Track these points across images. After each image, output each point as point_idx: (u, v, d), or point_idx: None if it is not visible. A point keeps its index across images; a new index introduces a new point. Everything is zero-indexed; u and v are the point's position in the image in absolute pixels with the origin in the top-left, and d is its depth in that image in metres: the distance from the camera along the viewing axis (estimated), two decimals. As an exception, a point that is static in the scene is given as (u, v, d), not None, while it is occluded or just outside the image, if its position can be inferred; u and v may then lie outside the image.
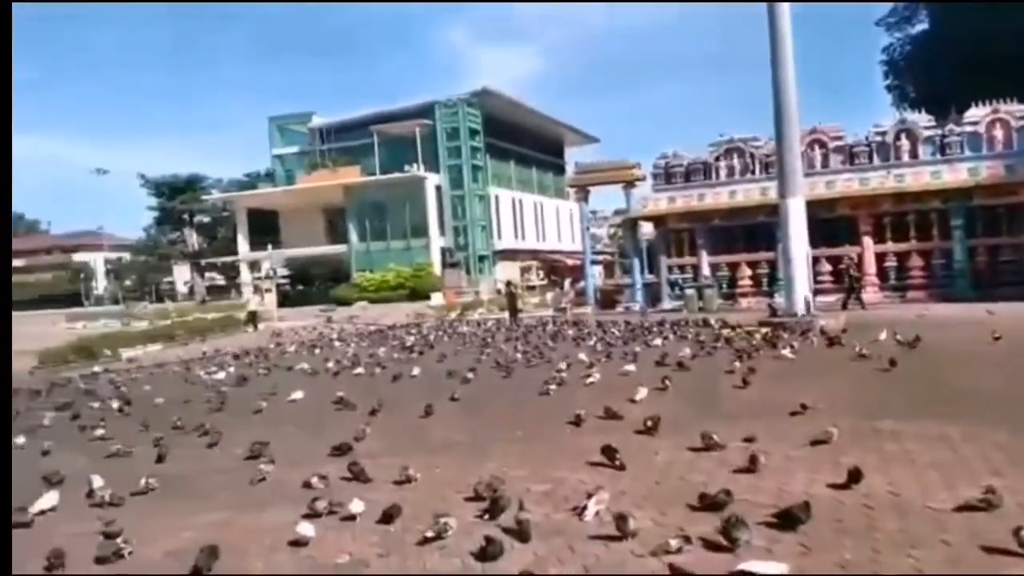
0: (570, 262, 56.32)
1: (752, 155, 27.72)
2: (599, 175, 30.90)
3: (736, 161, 28.05)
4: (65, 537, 5.15)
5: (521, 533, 4.72)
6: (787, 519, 4.67)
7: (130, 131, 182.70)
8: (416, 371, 13.10)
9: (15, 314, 40.33)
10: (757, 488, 5.50)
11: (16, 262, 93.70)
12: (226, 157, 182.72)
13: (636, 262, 29.99)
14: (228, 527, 5.43)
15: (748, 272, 27.22)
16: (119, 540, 4.95)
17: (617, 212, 43.91)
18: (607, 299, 30.76)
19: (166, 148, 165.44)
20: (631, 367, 11.83)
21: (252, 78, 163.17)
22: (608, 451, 6.40)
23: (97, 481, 6.44)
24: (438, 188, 52.57)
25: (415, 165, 51.68)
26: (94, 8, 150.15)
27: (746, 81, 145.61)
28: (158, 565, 4.74)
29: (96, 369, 18.31)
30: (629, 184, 30.22)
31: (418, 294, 45.48)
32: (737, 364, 11.53)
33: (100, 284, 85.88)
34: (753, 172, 27.71)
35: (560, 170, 67.01)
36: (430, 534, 4.80)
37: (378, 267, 50.68)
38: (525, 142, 61.40)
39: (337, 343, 21.18)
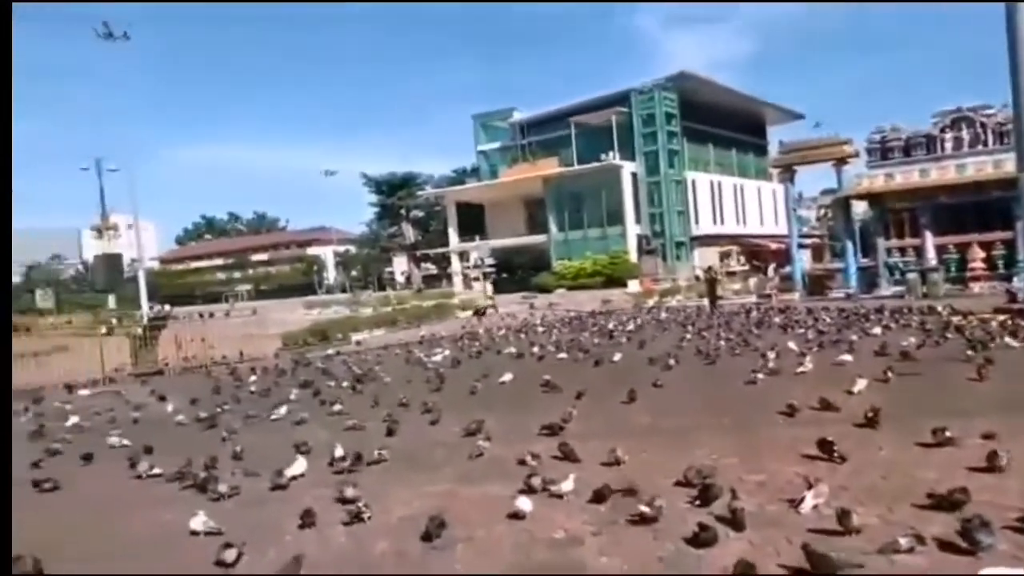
0: (773, 246, 53.53)
1: (983, 125, 24.86)
2: (806, 153, 29.11)
3: (964, 132, 25.30)
4: (313, 499, 5.72)
5: (735, 522, 4.59)
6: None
7: (354, 135, 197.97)
8: (617, 357, 13.10)
9: (263, 303, 44.98)
10: (999, 489, 4.95)
11: (261, 256, 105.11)
12: (437, 155, 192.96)
13: (849, 245, 27.93)
14: (452, 498, 5.77)
15: (980, 254, 24.49)
16: (360, 505, 5.42)
17: (826, 192, 41.01)
18: (816, 285, 28.93)
19: (385, 149, 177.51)
20: (847, 357, 11.07)
21: (458, 78, 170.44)
22: (825, 444, 6.03)
23: (338, 451, 7.08)
24: (634, 175, 52.06)
25: (611, 153, 51.53)
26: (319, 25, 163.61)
27: (963, 47, 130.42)
28: (394, 529, 5.14)
29: (330, 351, 20.07)
30: (840, 161, 28.22)
31: (615, 281, 45.43)
32: (970, 354, 10.42)
33: (330, 275, 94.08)
34: (985, 143, 24.84)
35: (762, 151, 63.86)
36: (643, 512, 4.81)
37: (576, 255, 51.19)
38: (724, 123, 59.05)
39: (540, 329, 21.68)
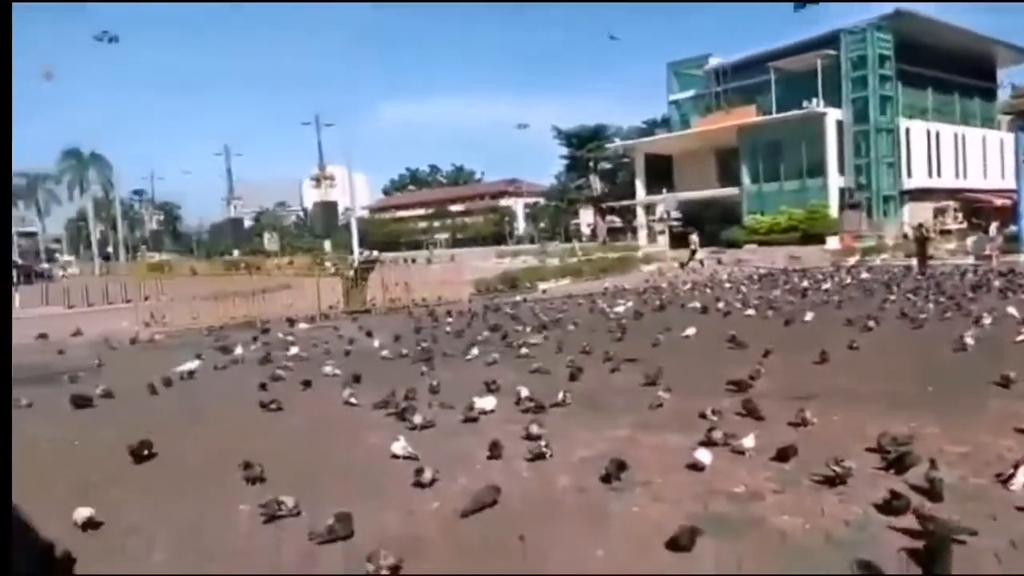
0: (998, 203, 47.51)
1: None
2: (1045, 99, 25.46)
3: None
4: (501, 434, 6.03)
5: (932, 493, 4.29)
6: None
7: (548, 89, 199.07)
8: (809, 316, 12.43)
9: (459, 251, 46.95)
10: None
11: (457, 207, 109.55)
12: (629, 107, 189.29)
13: (1091, 202, 24.29)
14: (632, 444, 5.85)
15: None
16: (542, 443, 5.65)
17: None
18: (1048, 245, 25.52)
19: (577, 102, 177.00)
20: (1082, 326, 9.77)
21: (651, 27, 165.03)
22: None
23: (524, 391, 7.37)
24: (839, 124, 48.07)
25: (814, 100, 47.85)
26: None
27: None
28: (575, 467, 5.31)
29: (518, 298, 20.70)
30: (1086, 107, 24.43)
31: (811, 237, 42.60)
32: None
33: (520, 226, 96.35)
34: None
35: (990, 95, 56.43)
36: (830, 474, 4.62)
37: (770, 209, 48.50)
38: (946, 66, 52.61)
39: (727, 284, 20.97)
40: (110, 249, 74.17)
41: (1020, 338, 9.30)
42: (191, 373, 10.11)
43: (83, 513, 4.61)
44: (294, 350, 11.71)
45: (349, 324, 15.92)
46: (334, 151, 54.57)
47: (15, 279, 31.73)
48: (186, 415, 7.90)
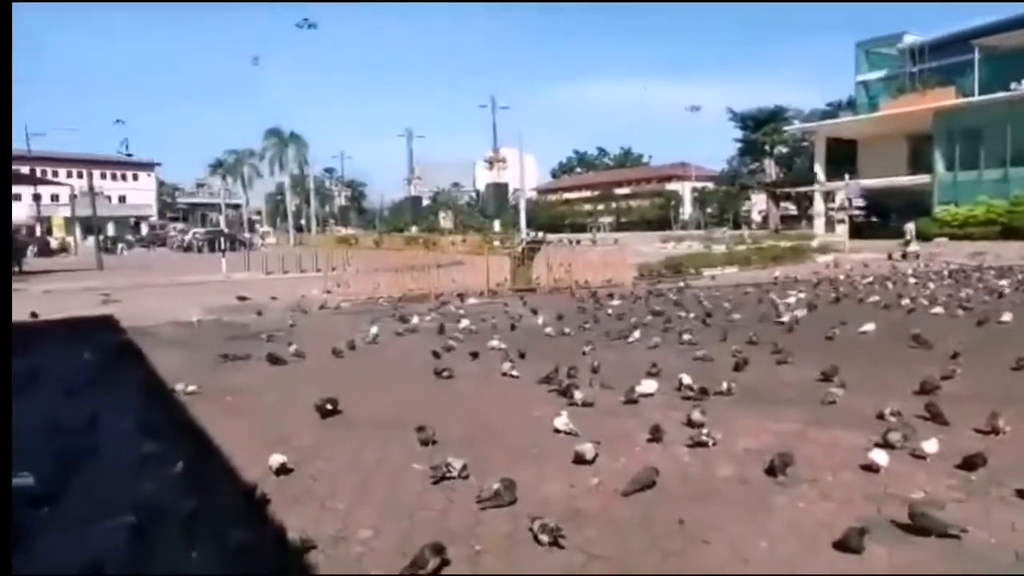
0: None
1: None
2: None
3: None
4: (661, 418, 5.98)
5: None
6: None
7: (720, 70, 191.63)
8: (1007, 317, 11.21)
9: (623, 235, 46.56)
10: None
11: (624, 190, 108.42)
12: (809, 88, 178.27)
13: None
14: (800, 438, 5.59)
15: None
16: (704, 431, 5.53)
17: None
18: None
19: (752, 83, 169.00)
20: None
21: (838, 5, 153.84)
22: None
23: (686, 378, 7.24)
24: (1057, 107, 42.57)
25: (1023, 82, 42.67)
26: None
27: None
28: (738, 457, 5.17)
29: (682, 284, 20.23)
30: None
31: (1014, 232, 38.15)
32: None
33: (686, 211, 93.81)
34: None
35: None
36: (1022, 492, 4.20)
37: (965, 200, 43.89)
38: None
39: (912, 280, 19.32)
40: (303, 221, 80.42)
41: None
42: (375, 338, 10.81)
43: (277, 459, 5.09)
44: (464, 323, 12.17)
45: (515, 301, 16.30)
46: (507, 133, 55.84)
47: (223, 245, 35.27)
48: (367, 377, 8.47)
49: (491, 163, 58.71)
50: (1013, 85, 42.87)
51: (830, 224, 51.08)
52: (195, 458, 5.31)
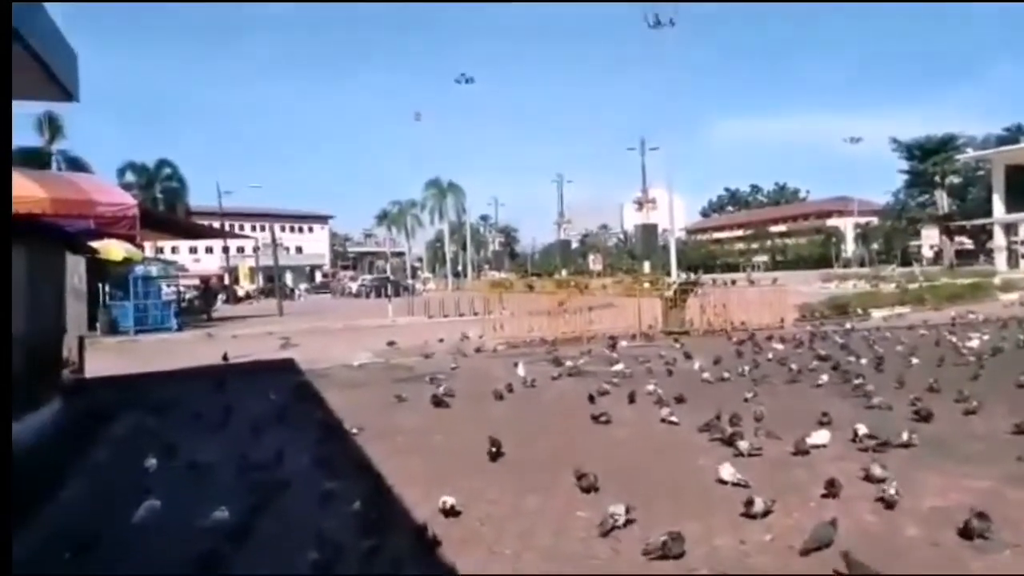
0: None
1: None
2: None
3: None
4: (836, 471, 5.60)
5: None
6: None
7: (878, 98, 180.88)
8: None
9: (780, 274, 44.51)
10: None
11: (779, 228, 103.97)
12: (982, 114, 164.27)
13: None
14: (996, 497, 5.04)
15: None
16: (886, 486, 5.11)
17: None
18: None
19: (914, 110, 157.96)
20: None
21: (1012, 21, 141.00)
22: None
23: (861, 428, 6.75)
24: None
25: None
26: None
27: None
28: (926, 517, 4.74)
29: (848, 326, 18.97)
30: None
31: None
32: None
33: (849, 247, 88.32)
34: None
35: None
36: None
37: None
38: None
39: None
40: (460, 267, 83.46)
41: None
42: (533, 381, 10.96)
43: (446, 501, 5.23)
44: (618, 366, 12.06)
45: (668, 344, 15.96)
46: (655, 173, 55.20)
47: (389, 291, 37.24)
48: (528, 420, 8.58)
49: (640, 204, 58.38)
50: None
51: (1013, 259, 46.32)
52: (370, 496, 5.56)
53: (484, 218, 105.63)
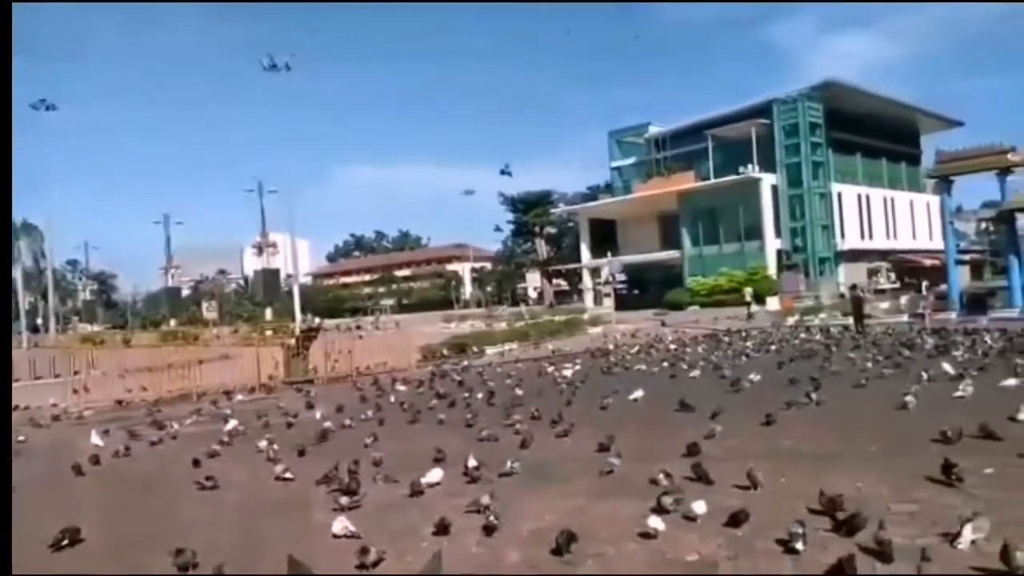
0: (927, 262, 49.71)
1: None
2: (965, 163, 26.98)
3: None
4: (448, 507, 5.87)
5: (883, 554, 4.29)
6: None
7: (491, 156, 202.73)
8: (755, 377, 12.60)
9: (406, 316, 46.43)
10: None
11: (404, 272, 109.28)
12: (572, 173, 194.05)
13: (1014, 260, 25.64)
14: (583, 513, 5.73)
15: None
16: (491, 516, 5.48)
17: (987, 204, 37.71)
18: (975, 304, 26.63)
19: (521, 167, 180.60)
20: (1012, 381, 10.13)
21: (595, 97, 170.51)
22: (947, 467, 5.85)
23: (471, 461, 7.21)
24: (774, 188, 50.00)
25: (750, 166, 49.81)
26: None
27: None
28: (526, 541, 5.17)
29: (465, 363, 20.54)
30: (1003, 171, 25.95)
31: (755, 298, 43.66)
32: None
33: (467, 290, 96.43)
34: None
35: (915, 160, 59.58)
36: (783, 538, 4.61)
37: (710, 271, 49.70)
38: (873, 133, 55.48)
39: (672, 346, 21.22)
40: (39, 321, 71.34)
41: (957, 394, 9.58)
42: (127, 450, 9.65)
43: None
44: (232, 424, 11.30)
45: (291, 394, 15.52)
46: (277, 217, 54.03)
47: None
48: (116, 496, 7.50)
49: (260, 248, 56.49)
50: (741, 169, 49.81)
51: (598, 298, 55.04)
52: None
53: (72, 263, 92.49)
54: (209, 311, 60.93)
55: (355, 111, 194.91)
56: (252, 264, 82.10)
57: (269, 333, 25.12)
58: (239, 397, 15.73)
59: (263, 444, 9.23)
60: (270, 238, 57.27)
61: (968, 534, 4.45)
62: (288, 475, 7.58)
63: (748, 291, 37.86)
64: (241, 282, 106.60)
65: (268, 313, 46.69)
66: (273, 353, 19.45)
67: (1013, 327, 18.57)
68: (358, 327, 24.10)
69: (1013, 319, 22.47)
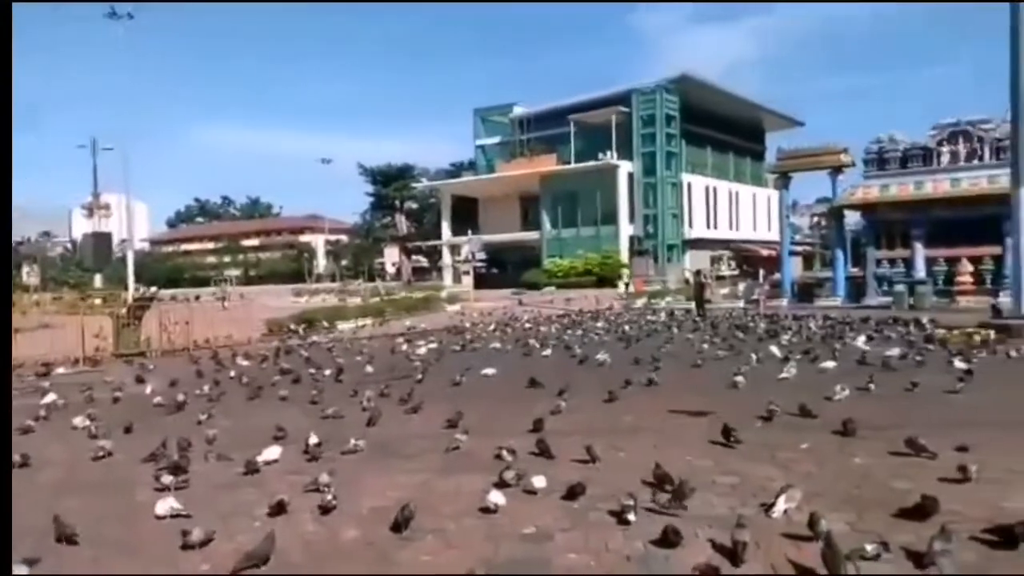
0: (765, 253, 53.70)
1: (981, 139, 24.99)
2: (802, 161, 29.20)
3: (961, 146, 25.40)
4: (287, 486, 5.71)
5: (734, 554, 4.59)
6: (1006, 536, 4.20)
7: (351, 124, 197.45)
8: (602, 356, 13.10)
9: (252, 288, 44.68)
10: (969, 500, 4.97)
11: (253, 242, 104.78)
12: (435, 148, 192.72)
13: (840, 254, 28.14)
14: (425, 489, 5.75)
15: (969, 268, 24.64)
16: (329, 496, 5.37)
17: (820, 200, 41.23)
18: (805, 292, 29.09)
19: (384, 140, 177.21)
20: (830, 364, 11.13)
21: (461, 73, 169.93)
22: (727, 431, 6.80)
23: (313, 438, 7.05)
24: (630, 176, 52.08)
25: (609, 153, 51.54)
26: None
27: (969, 60, 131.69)
28: (365, 518, 5.12)
29: (315, 339, 20.03)
30: (836, 170, 28.35)
31: (605, 281, 45.45)
32: (952, 367, 10.49)
33: (321, 263, 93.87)
34: (981, 158, 24.96)
35: (760, 156, 64.00)
36: (615, 510, 4.84)
37: (568, 253, 51.19)
38: (723, 128, 59.10)
39: (527, 326, 21.69)
40: None
41: (783, 375, 10.40)
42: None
43: None
44: (50, 397, 10.45)
45: (120, 367, 14.53)
46: (112, 178, 50.08)
47: None
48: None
49: (90, 210, 52.22)
50: (601, 155, 51.42)
51: (457, 276, 55.39)
52: None
53: None
54: (30, 276, 55.86)
55: (205, 66, 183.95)
56: (82, 227, 75.87)
57: (98, 302, 23.37)
58: (60, 370, 14.56)
59: (84, 420, 8.60)
60: (103, 199, 53.08)
61: (781, 504, 4.85)
62: (111, 452, 7.10)
63: (626, 272, 40.38)
64: (68, 246, 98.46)
65: (98, 280, 43.24)
66: (101, 323, 18.10)
67: (836, 314, 20.40)
68: (197, 298, 22.83)
69: (836, 307, 24.71)
